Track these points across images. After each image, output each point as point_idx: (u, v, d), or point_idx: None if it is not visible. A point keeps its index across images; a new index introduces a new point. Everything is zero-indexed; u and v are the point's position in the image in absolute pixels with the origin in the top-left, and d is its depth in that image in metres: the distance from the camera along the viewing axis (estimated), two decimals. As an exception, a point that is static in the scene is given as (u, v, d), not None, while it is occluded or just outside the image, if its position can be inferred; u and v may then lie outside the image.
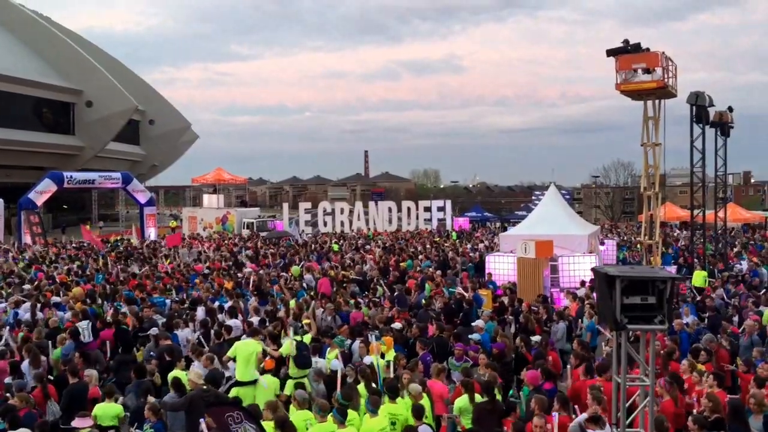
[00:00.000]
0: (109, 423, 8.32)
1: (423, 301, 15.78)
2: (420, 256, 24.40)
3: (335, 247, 28.97)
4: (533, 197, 50.93)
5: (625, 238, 33.28)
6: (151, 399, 8.72)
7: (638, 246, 24.93)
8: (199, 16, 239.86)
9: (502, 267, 19.82)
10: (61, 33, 59.19)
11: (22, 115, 51.66)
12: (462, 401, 8.41)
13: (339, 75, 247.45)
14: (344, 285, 18.44)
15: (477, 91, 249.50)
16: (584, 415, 7.34)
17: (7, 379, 9.92)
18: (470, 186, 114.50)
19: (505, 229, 33.40)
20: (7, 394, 9.12)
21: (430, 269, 21.05)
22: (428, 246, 29.04)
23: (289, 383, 9.87)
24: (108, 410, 8.51)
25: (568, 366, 10.12)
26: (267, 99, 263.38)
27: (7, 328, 12.65)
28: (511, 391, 10.05)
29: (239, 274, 20.62)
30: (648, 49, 16.54)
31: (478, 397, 8.43)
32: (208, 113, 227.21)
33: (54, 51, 55.86)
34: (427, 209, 45.86)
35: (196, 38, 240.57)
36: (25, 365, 10.32)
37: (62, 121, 56.08)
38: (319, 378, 9.82)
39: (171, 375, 9.46)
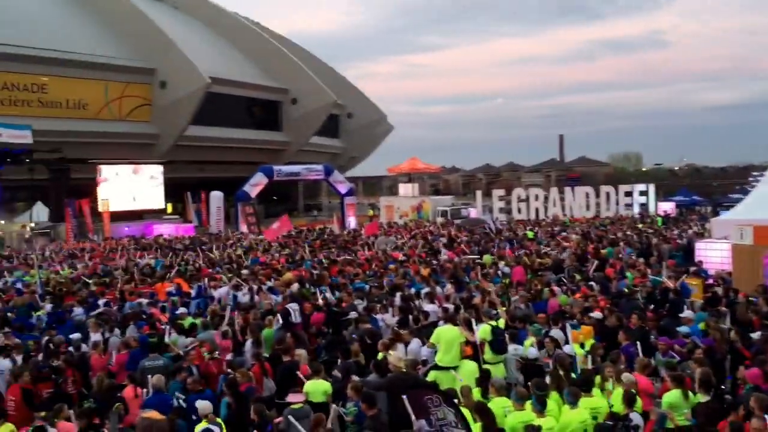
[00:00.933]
0: (319, 399, 8.87)
1: (625, 289, 15.09)
2: (621, 243, 23.28)
3: (530, 234, 28.49)
4: (750, 178, 46.37)
5: None
6: (354, 378, 9.18)
7: None
8: (395, 11, 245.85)
9: (714, 255, 18.35)
10: (269, 36, 63.81)
11: (237, 114, 56.46)
12: (672, 396, 7.90)
13: (533, 59, 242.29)
14: (539, 273, 18.10)
15: (683, 67, 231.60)
16: None
17: (229, 356, 10.95)
18: (676, 168, 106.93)
19: (717, 214, 30.89)
20: (229, 370, 10.04)
21: (633, 256, 20.03)
22: (629, 232, 27.64)
23: (484, 368, 9.93)
24: (318, 387, 9.06)
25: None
26: (460, 88, 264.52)
27: (228, 308, 13.87)
28: None
29: (434, 261, 20.98)
30: None
31: (691, 395, 7.90)
32: (403, 104, 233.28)
33: (263, 53, 60.41)
34: (628, 194, 43.67)
35: (391, 32, 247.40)
36: (248, 345, 11.30)
37: (271, 119, 60.50)
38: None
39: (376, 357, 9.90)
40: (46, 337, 12.24)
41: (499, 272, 18.51)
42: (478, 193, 49.98)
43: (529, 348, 10.40)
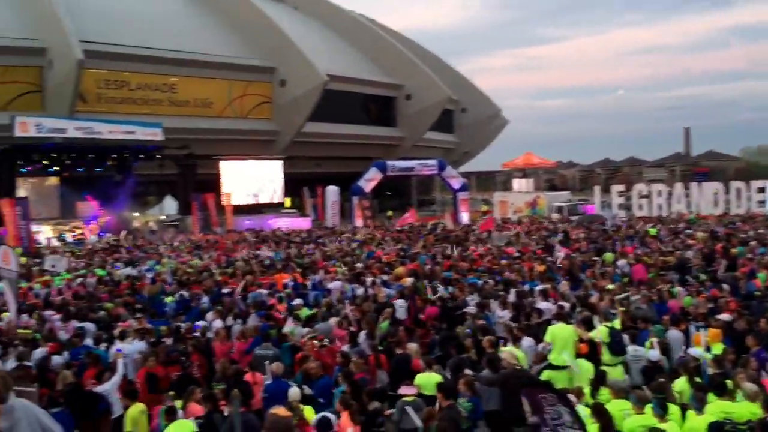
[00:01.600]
0: (430, 392, 8.92)
1: (756, 291, 14.17)
2: (752, 242, 21.84)
3: (652, 231, 27.29)
4: None
5: None
6: (467, 372, 9.15)
7: None
8: (510, 3, 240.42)
9: None
10: (384, 33, 64.53)
11: (353, 110, 57.49)
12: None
13: (656, 49, 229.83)
14: (662, 272, 17.31)
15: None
16: None
17: (345, 347, 11.17)
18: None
19: None
20: (351, 359, 10.22)
21: (766, 257, 18.75)
22: (762, 231, 25.90)
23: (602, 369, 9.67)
24: (430, 380, 9.12)
25: None
26: (577, 80, 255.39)
27: (347, 301, 14.17)
28: None
29: (550, 258, 20.53)
30: None
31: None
32: (518, 98, 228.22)
33: (378, 50, 61.21)
34: (761, 190, 40.90)
35: (506, 25, 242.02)
36: (362, 336, 11.52)
37: (386, 115, 61.18)
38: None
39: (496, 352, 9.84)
40: (178, 323, 13.01)
41: (618, 270, 17.87)
42: (597, 189, 48.36)
43: (650, 350, 9.99)
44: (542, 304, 13.16)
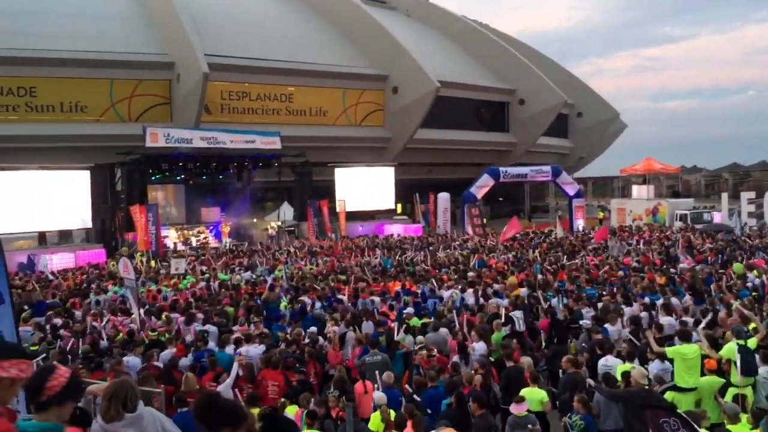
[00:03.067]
0: (534, 408, 8.73)
1: None
2: None
3: (787, 242, 25.48)
4: None
5: None
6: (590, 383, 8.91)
7: None
8: (627, 4, 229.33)
9: None
10: (497, 38, 63.86)
11: (465, 116, 57.22)
12: None
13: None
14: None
15: None
16: None
17: (455, 358, 11.13)
18: None
19: None
20: (460, 370, 10.19)
21: None
22: None
23: (730, 391, 9.12)
24: (534, 395, 8.94)
25: None
26: (701, 81, 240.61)
27: (454, 312, 14.09)
28: None
29: (672, 270, 19.58)
30: None
31: None
32: (638, 100, 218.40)
33: (491, 55, 60.60)
34: None
35: (623, 26, 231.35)
36: (473, 347, 11.41)
37: (498, 120, 60.48)
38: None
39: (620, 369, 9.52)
40: (296, 330, 13.38)
41: (749, 284, 16.76)
42: (724, 196, 45.64)
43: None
44: (663, 319, 12.56)
